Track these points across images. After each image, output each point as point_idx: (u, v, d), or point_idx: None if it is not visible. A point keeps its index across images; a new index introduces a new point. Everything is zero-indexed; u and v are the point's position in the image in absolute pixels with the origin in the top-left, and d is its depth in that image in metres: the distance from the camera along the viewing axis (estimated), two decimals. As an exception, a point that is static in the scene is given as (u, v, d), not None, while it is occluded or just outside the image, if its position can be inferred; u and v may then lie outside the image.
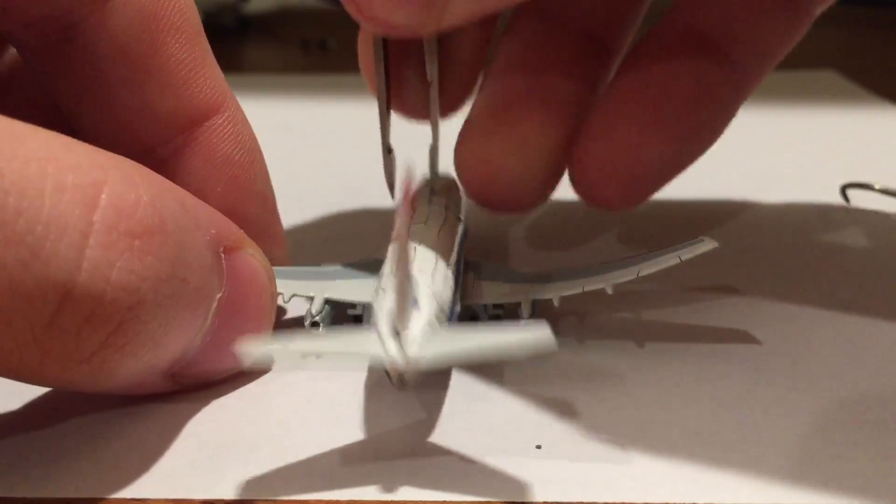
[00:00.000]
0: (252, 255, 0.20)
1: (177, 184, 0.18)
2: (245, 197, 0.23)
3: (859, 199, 0.31)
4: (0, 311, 0.15)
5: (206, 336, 0.19)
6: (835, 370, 0.21)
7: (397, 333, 0.16)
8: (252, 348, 0.16)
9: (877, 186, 0.31)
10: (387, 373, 0.17)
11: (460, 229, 0.23)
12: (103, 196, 0.16)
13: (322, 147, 0.40)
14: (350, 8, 0.19)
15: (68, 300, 0.15)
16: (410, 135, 0.26)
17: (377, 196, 0.30)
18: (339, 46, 0.61)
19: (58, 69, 0.21)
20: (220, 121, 0.22)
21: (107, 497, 0.17)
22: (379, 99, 0.24)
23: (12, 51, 0.23)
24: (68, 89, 0.21)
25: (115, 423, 0.19)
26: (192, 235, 0.18)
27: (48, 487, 0.17)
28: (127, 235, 0.16)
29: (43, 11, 0.20)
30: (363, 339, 0.17)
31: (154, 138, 0.22)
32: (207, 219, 0.19)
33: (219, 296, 0.19)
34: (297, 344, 0.17)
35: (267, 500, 0.17)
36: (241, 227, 0.20)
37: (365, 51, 0.24)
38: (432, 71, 0.24)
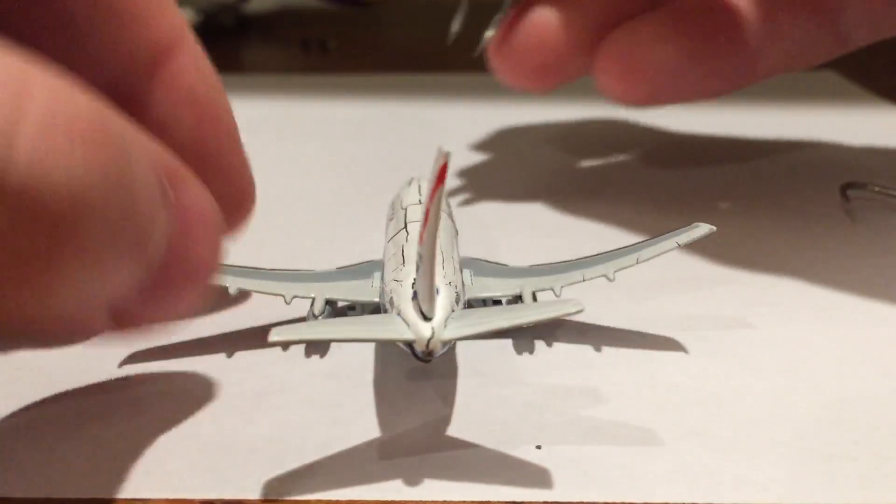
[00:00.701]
0: (201, 193, 0.18)
1: (143, 121, 0.18)
2: (212, 132, 0.23)
3: (859, 199, 0.31)
4: None
5: (152, 272, 0.17)
6: (834, 369, 0.21)
7: (426, 318, 0.17)
8: (282, 334, 0.16)
9: (876, 187, 0.31)
10: (411, 349, 0.18)
11: (453, 228, 0.24)
12: (36, 88, 0.14)
13: (321, 147, 0.40)
14: None
15: None
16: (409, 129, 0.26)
17: (376, 197, 0.30)
18: (339, 46, 0.61)
19: (18, 6, 0.21)
20: (181, 56, 0.22)
21: (107, 497, 0.17)
22: None
23: None
24: (28, 28, 0.21)
25: (115, 423, 0.19)
26: (137, 151, 0.16)
27: (49, 488, 0.17)
28: (67, 127, 0.14)
29: None
30: (390, 324, 0.18)
31: (116, 74, 0.22)
32: (150, 145, 0.17)
33: (166, 230, 0.17)
34: (326, 330, 0.18)
35: (266, 500, 0.17)
36: (210, 164, 0.19)
37: None
38: None
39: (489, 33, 0.28)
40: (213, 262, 0.19)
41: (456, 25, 0.29)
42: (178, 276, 0.18)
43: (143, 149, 0.17)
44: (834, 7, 0.28)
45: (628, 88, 0.28)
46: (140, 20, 0.21)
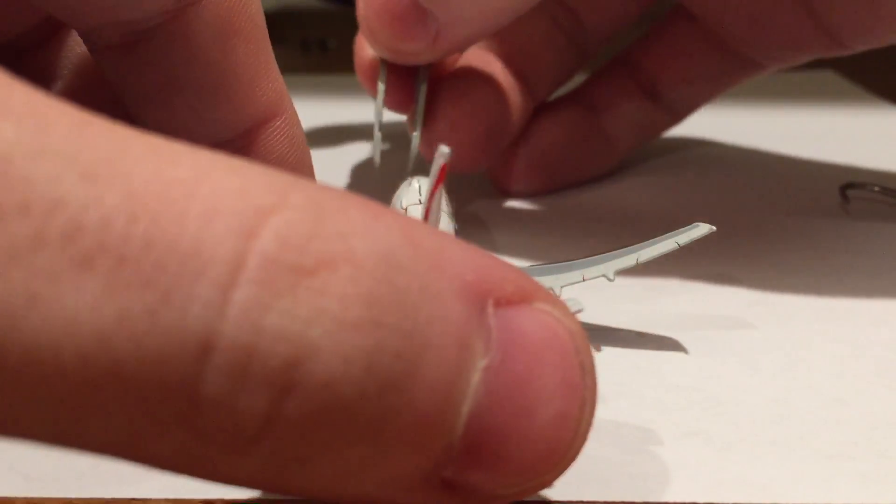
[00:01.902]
0: (547, 312, 0.13)
1: None
2: None
3: (859, 198, 0.31)
4: (127, 382, 0.11)
5: (471, 422, 0.13)
6: (833, 368, 0.21)
7: None
8: None
9: (876, 187, 0.31)
10: None
11: (452, 228, 0.24)
12: (269, 223, 0.12)
13: (321, 147, 0.40)
14: (365, 34, 0.27)
15: (211, 358, 0.11)
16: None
17: (376, 197, 0.30)
18: (339, 46, 0.61)
19: (127, 67, 0.21)
20: (279, 123, 0.22)
21: (108, 497, 0.17)
22: (378, 98, 0.29)
23: (71, 45, 0.23)
24: (133, 87, 0.21)
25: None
26: (420, 279, 0.12)
27: (49, 488, 0.17)
28: (291, 270, 0.12)
29: (122, 16, 0.20)
30: None
31: (214, 139, 0.22)
32: (461, 261, 0.13)
33: (483, 364, 0.13)
34: None
35: (268, 501, 0.17)
36: None
37: (362, 56, 0.30)
38: (422, 81, 0.29)
39: (413, 146, 0.30)
40: (567, 399, 0.13)
41: (377, 154, 0.30)
42: (506, 420, 0.13)
43: (433, 270, 0.13)
44: (652, 88, 0.34)
45: (533, 182, 0.33)
46: (247, 90, 0.21)
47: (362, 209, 0.13)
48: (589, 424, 0.14)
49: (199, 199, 0.12)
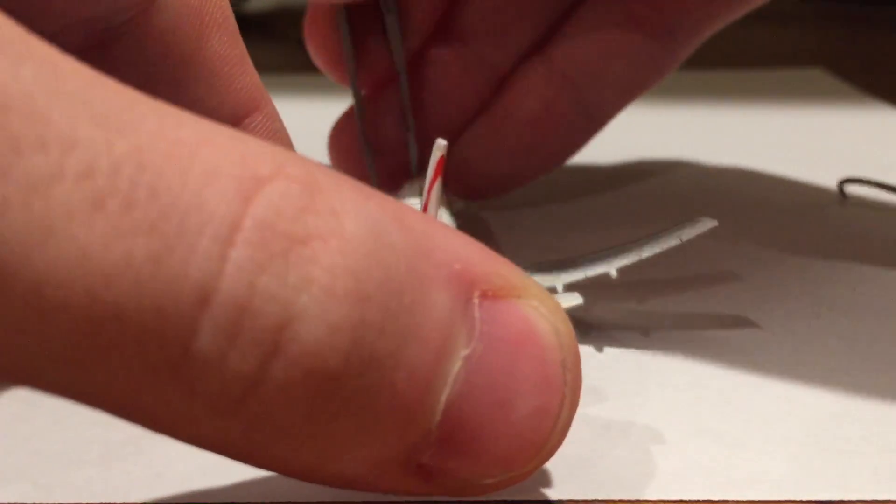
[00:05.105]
0: (533, 308, 0.14)
1: None
2: None
3: (857, 194, 0.31)
4: (127, 325, 0.12)
5: (449, 410, 0.13)
6: (839, 364, 0.21)
7: None
8: None
9: (873, 182, 0.31)
10: None
11: (453, 224, 0.24)
12: (264, 191, 0.12)
13: (321, 147, 0.40)
14: None
15: (207, 310, 0.12)
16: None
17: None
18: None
19: (101, 69, 0.21)
20: (259, 118, 0.22)
21: (111, 502, 0.17)
22: (350, 78, 0.28)
23: None
24: None
25: (124, 428, 0.19)
26: (408, 261, 0.13)
27: (57, 494, 0.17)
28: (285, 237, 0.12)
29: (89, 12, 0.20)
30: None
31: None
32: (450, 249, 0.13)
33: (464, 353, 0.13)
34: None
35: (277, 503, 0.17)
36: None
37: (317, 42, 0.29)
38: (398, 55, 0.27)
39: (412, 145, 0.28)
40: (545, 394, 0.14)
41: (369, 162, 0.29)
42: (483, 412, 0.13)
43: (422, 256, 0.13)
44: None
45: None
46: (223, 81, 0.21)
47: (355, 189, 0.13)
48: (569, 421, 0.14)
49: (200, 160, 0.12)
